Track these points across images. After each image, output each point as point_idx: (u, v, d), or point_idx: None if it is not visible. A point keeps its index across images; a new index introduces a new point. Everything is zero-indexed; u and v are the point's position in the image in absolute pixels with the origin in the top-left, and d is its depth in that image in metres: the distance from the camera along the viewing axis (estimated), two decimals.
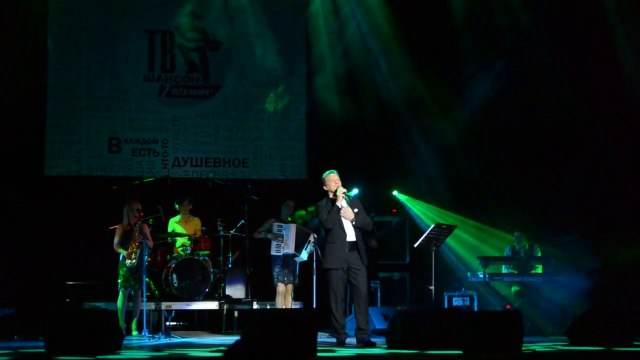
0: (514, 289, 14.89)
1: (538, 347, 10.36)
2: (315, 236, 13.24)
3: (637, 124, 14.97)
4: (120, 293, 13.16)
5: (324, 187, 11.51)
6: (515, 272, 14.64)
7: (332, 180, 11.45)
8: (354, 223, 11.33)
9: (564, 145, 15.52)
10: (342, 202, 11.26)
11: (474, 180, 15.87)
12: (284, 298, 13.43)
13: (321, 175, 11.66)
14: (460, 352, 9.74)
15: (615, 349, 9.95)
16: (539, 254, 14.85)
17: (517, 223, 15.15)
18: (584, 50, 15.17)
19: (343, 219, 11.32)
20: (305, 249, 13.28)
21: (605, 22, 15.38)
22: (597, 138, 15.15)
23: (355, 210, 11.37)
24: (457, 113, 16.14)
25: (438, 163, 16.13)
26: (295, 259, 13.44)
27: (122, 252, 13.14)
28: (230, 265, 14.57)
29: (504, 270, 14.69)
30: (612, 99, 15.03)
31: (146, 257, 12.92)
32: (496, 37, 15.90)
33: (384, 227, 15.64)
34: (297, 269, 13.60)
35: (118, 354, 9.63)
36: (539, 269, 14.60)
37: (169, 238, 14.32)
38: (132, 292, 13.22)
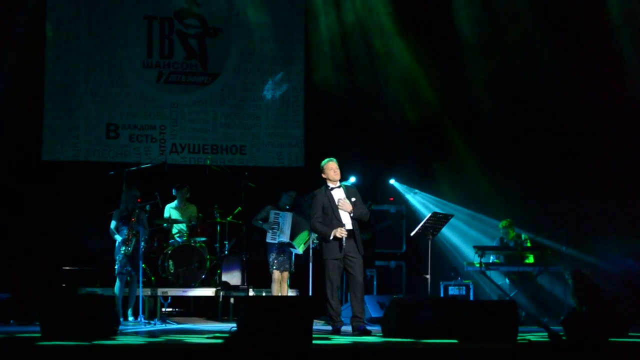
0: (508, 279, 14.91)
1: (533, 337, 10.38)
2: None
3: (632, 113, 14.97)
4: (117, 279, 13.16)
5: (322, 175, 11.48)
6: (500, 261, 14.62)
7: (331, 168, 11.43)
8: (351, 215, 11.33)
9: (561, 135, 15.51)
10: (339, 234, 11.21)
11: (471, 169, 15.88)
12: (280, 285, 13.44)
13: (318, 163, 11.64)
14: (456, 341, 9.75)
15: (611, 339, 9.96)
16: (529, 244, 14.87)
17: (509, 213, 15.14)
18: (580, 40, 15.19)
19: (340, 210, 11.32)
20: (304, 244, 13.24)
21: (606, 17, 15.38)
22: (594, 128, 15.14)
23: (353, 199, 11.36)
24: (454, 101, 16.13)
25: (434, 151, 16.13)
26: (292, 249, 13.44)
27: (118, 238, 13.14)
28: (226, 252, 14.59)
29: (492, 260, 14.68)
30: (609, 89, 15.01)
31: (142, 243, 12.94)
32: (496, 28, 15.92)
33: (382, 222, 15.65)
34: (293, 257, 13.61)
35: (114, 339, 9.64)
36: (531, 259, 14.63)
37: (166, 224, 14.32)
38: (129, 278, 13.23)
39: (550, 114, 15.55)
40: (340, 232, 11.12)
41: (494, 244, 15.02)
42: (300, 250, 13.32)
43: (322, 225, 11.28)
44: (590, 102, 15.15)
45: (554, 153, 15.47)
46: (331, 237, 11.14)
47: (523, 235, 14.94)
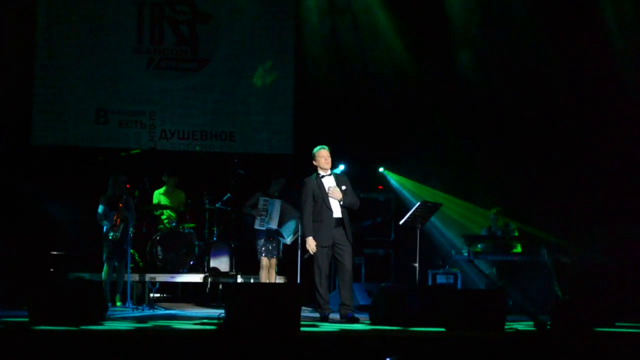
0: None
1: (521, 326, 10.41)
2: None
3: (624, 108, 14.98)
4: (105, 265, 13.14)
5: (313, 162, 11.50)
6: (488, 250, 14.65)
7: (322, 156, 11.44)
8: (341, 203, 11.35)
9: (552, 125, 15.52)
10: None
11: (461, 158, 15.89)
12: (268, 272, 13.44)
13: (307, 150, 11.65)
14: (443, 329, 9.78)
15: (598, 329, 10.00)
16: (516, 234, 14.90)
17: (496, 201, 15.16)
18: (574, 33, 15.19)
19: (330, 198, 11.34)
20: (293, 234, 13.24)
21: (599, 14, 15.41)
22: (589, 114, 15.13)
23: (343, 187, 11.38)
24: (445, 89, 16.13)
25: (426, 141, 16.12)
26: (281, 239, 13.44)
27: (106, 224, 13.11)
28: (215, 239, 14.59)
29: (479, 249, 14.69)
30: (600, 70, 15.01)
31: (131, 229, 12.92)
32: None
33: (368, 220, 15.64)
34: (281, 244, 13.60)
35: (102, 324, 9.64)
36: (518, 249, 14.66)
37: (156, 211, 14.32)
38: (116, 264, 13.21)
39: (542, 100, 15.55)
40: (312, 248, 11.25)
41: (482, 232, 15.04)
42: (288, 240, 13.32)
43: (309, 222, 11.32)
44: (582, 85, 15.13)
45: (545, 143, 15.47)
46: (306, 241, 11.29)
47: (512, 224, 14.97)
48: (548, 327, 9.66)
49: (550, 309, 10.61)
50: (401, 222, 12.71)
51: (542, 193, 15.15)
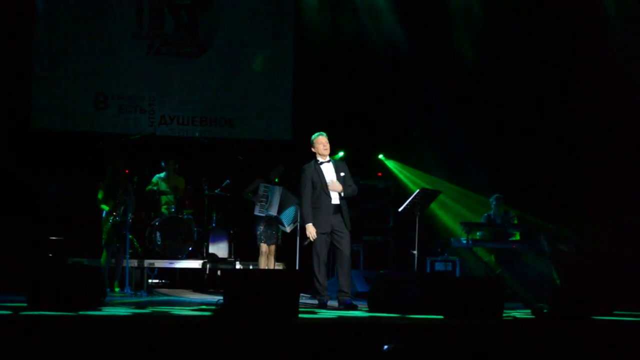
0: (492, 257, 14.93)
1: (519, 314, 10.42)
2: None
3: (624, 94, 14.97)
4: (104, 251, 13.14)
5: (312, 149, 11.50)
6: (487, 238, 14.66)
7: (321, 142, 11.44)
8: (342, 194, 11.36)
9: (551, 112, 15.52)
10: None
11: (460, 146, 15.88)
12: (267, 259, 13.45)
13: (306, 136, 11.66)
14: (442, 316, 9.79)
15: (596, 317, 10.01)
16: (515, 221, 14.91)
17: (497, 189, 15.15)
18: (575, 17, 15.19)
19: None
20: (293, 222, 13.24)
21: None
22: (587, 104, 15.13)
23: (342, 174, 11.38)
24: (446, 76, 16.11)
25: (425, 128, 16.12)
26: (280, 227, 13.44)
27: (105, 209, 13.11)
28: (214, 225, 14.59)
29: (478, 236, 14.69)
30: (599, 57, 15.01)
31: (130, 215, 12.92)
32: None
33: (369, 203, 15.63)
34: (281, 231, 13.60)
35: (100, 310, 9.65)
36: (517, 236, 14.66)
37: (155, 195, 14.31)
38: (115, 250, 13.21)
39: (543, 86, 15.54)
40: (312, 235, 11.24)
41: (482, 220, 15.05)
42: (288, 229, 13.32)
43: (309, 208, 11.32)
44: (584, 70, 15.12)
45: (546, 129, 15.47)
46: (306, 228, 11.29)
47: (511, 212, 14.97)
48: (544, 312, 9.67)
49: (548, 296, 10.62)
50: (400, 209, 12.70)
51: (541, 180, 15.15)
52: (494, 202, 14.93)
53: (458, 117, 15.84)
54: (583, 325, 9.42)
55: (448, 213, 16.01)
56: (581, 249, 14.07)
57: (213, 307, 9.80)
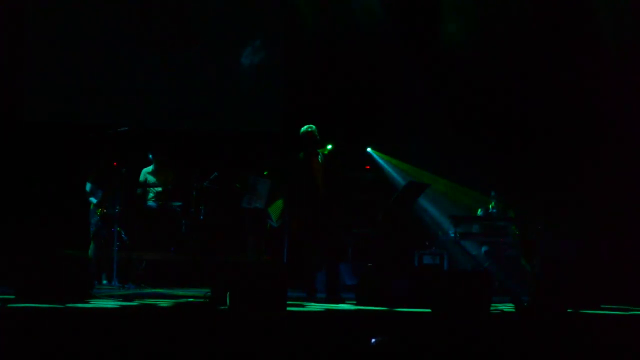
0: (483, 248, 14.96)
1: (506, 308, 10.43)
2: None
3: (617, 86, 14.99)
4: (92, 243, 13.13)
5: (302, 141, 11.51)
6: (480, 231, 14.69)
7: (310, 135, 11.45)
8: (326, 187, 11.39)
9: (543, 103, 15.54)
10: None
11: (449, 139, 15.89)
12: (255, 251, 13.45)
13: (295, 128, 11.66)
14: (429, 310, 9.80)
15: (583, 311, 10.03)
16: (512, 214, 14.92)
17: (492, 184, 15.17)
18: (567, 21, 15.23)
19: (316, 177, 11.35)
20: (280, 216, 13.23)
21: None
22: (584, 93, 15.15)
23: (330, 166, 11.39)
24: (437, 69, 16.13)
25: (414, 121, 16.12)
26: (269, 221, 13.44)
27: (94, 201, 13.10)
28: (202, 217, 14.56)
29: (474, 230, 14.72)
30: (591, 50, 15.04)
31: (117, 207, 12.90)
32: None
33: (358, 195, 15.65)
34: (268, 224, 13.60)
35: (88, 302, 9.63)
36: (516, 231, 14.68)
37: (139, 189, 14.28)
38: (103, 242, 13.19)
39: (534, 78, 15.56)
40: (298, 226, 11.30)
41: (479, 213, 15.06)
42: (275, 222, 13.32)
43: (295, 201, 11.33)
44: (577, 60, 15.14)
45: (535, 122, 15.50)
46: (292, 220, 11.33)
47: (510, 213, 14.97)
48: (525, 305, 9.70)
49: (528, 289, 10.65)
50: (389, 202, 12.71)
51: (530, 173, 15.19)
52: (495, 196, 14.94)
53: (448, 110, 15.85)
54: (564, 318, 9.46)
55: (436, 206, 16.03)
56: (549, 242, 14.08)
57: (201, 300, 9.78)
